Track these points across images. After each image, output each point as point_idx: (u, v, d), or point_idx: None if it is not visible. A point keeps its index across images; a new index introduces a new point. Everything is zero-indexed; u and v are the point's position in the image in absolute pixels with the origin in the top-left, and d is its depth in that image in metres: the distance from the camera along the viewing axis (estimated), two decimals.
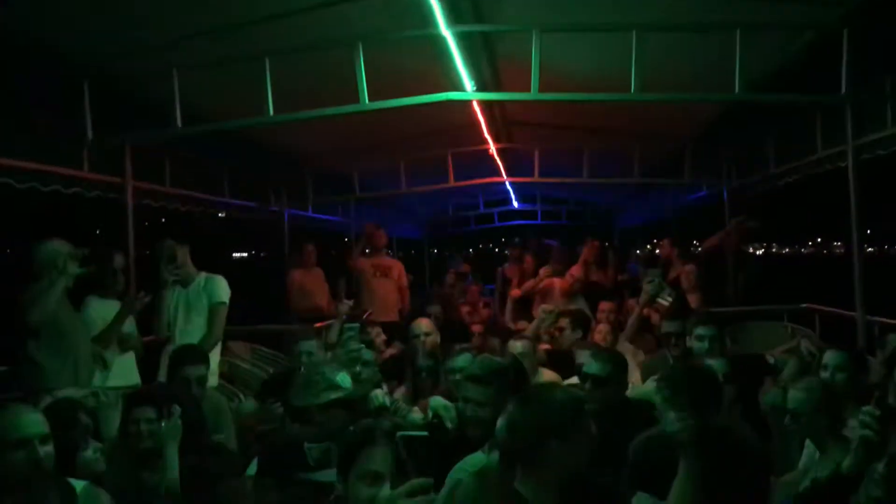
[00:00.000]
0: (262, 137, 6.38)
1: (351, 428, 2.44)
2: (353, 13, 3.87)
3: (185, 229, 5.47)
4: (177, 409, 2.88)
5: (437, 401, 3.52)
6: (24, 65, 3.90)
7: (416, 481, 1.76)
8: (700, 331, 4.19)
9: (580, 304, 6.65)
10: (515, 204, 12.28)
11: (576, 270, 7.16)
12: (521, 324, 6.65)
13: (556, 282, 7.11)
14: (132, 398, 3.09)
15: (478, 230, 13.63)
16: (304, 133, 6.24)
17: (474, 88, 4.92)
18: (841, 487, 2.30)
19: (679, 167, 7.55)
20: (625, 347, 5.13)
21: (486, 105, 6.05)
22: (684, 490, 2.48)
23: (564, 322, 5.46)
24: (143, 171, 5.37)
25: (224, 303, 4.54)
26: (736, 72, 4.05)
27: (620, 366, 3.44)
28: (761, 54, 4.32)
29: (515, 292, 7.35)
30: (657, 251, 8.75)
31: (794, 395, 2.95)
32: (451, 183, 7.48)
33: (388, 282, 7.38)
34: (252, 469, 2.65)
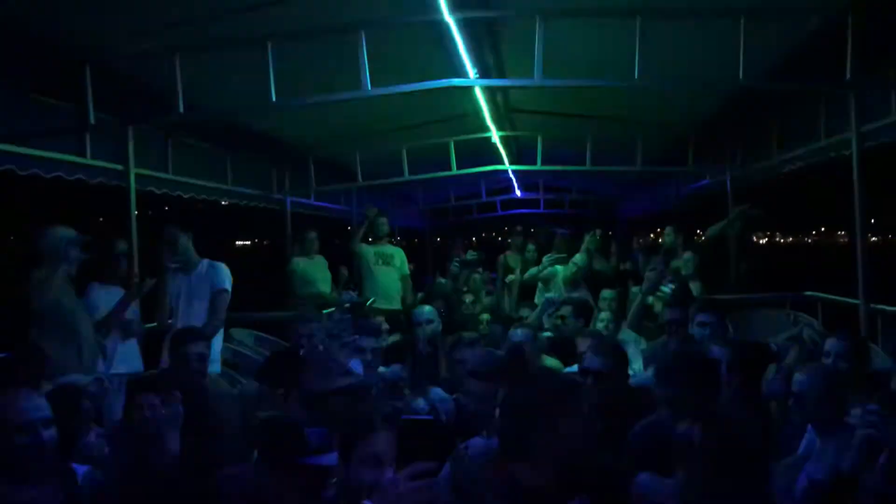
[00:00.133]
0: (264, 125, 6.38)
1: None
2: None
3: (188, 217, 5.48)
4: (177, 395, 2.88)
5: (437, 392, 3.56)
6: (26, 50, 3.89)
7: (418, 465, 1.77)
8: (702, 318, 4.20)
9: (582, 293, 6.66)
10: (518, 192, 12.26)
11: (578, 258, 7.16)
12: (524, 311, 6.67)
13: (559, 270, 7.12)
14: (135, 384, 3.10)
15: (480, 219, 13.60)
16: (307, 121, 6.24)
17: (477, 75, 4.90)
18: (842, 489, 2.28)
19: (682, 155, 7.53)
20: (627, 335, 5.14)
21: (488, 92, 6.03)
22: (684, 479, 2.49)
23: (567, 310, 5.47)
24: (146, 158, 5.37)
25: (226, 289, 4.55)
26: (740, 59, 4.03)
27: (621, 359, 3.44)
28: (766, 42, 4.30)
29: None
30: (659, 240, 8.75)
31: (800, 378, 2.95)
32: (454, 171, 7.46)
33: (390, 270, 7.39)
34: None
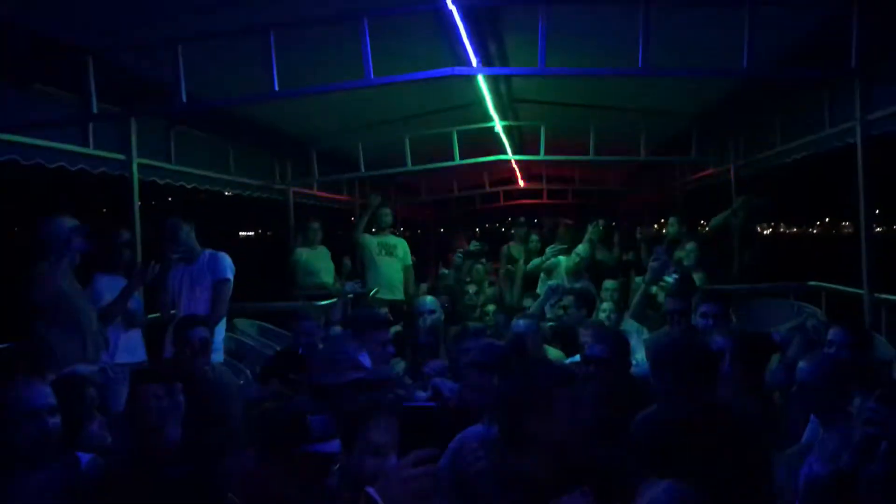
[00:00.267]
0: (267, 115, 6.36)
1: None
2: None
3: (192, 208, 5.49)
4: (178, 385, 2.89)
5: (440, 381, 3.57)
6: (28, 40, 3.88)
7: (421, 451, 1.77)
8: (704, 308, 4.19)
9: (585, 283, 6.66)
10: (521, 183, 12.23)
11: (581, 249, 7.16)
12: (528, 301, 6.69)
13: (562, 260, 7.12)
14: (138, 374, 3.11)
15: (483, 209, 13.58)
16: (310, 110, 6.22)
17: (480, 64, 4.88)
18: (842, 484, 2.27)
19: (686, 145, 7.50)
20: (630, 325, 5.14)
21: (491, 82, 6.01)
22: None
23: (569, 300, 5.47)
24: (149, 149, 5.37)
25: (228, 279, 4.56)
26: (744, 47, 4.00)
27: (622, 346, 3.45)
28: (771, 30, 4.27)
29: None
30: (663, 230, 8.73)
31: (803, 368, 2.95)
32: (457, 161, 7.45)
33: (393, 260, 7.39)
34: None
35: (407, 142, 7.22)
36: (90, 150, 4.75)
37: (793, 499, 2.78)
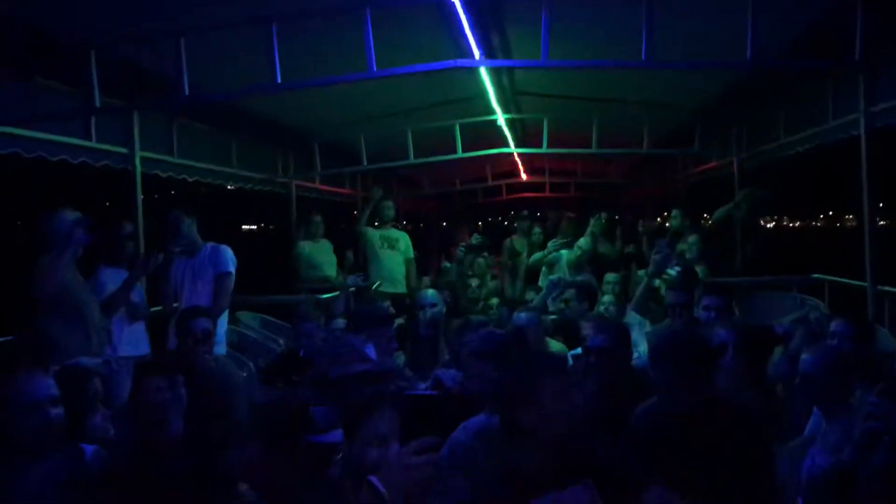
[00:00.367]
0: (269, 108, 6.36)
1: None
2: None
3: (194, 202, 5.49)
4: (180, 378, 2.89)
5: (444, 371, 3.57)
6: (31, 34, 3.88)
7: (423, 440, 1.78)
8: (706, 301, 4.18)
9: (587, 276, 6.65)
10: (524, 176, 12.21)
11: (583, 242, 7.15)
12: (530, 295, 6.69)
13: (564, 254, 7.11)
14: (142, 368, 3.12)
15: (486, 203, 13.56)
16: (312, 103, 6.21)
17: (483, 56, 4.87)
18: (844, 478, 2.26)
19: (689, 138, 7.48)
20: (632, 317, 5.14)
21: (494, 74, 5.99)
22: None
23: (571, 293, 5.47)
24: (151, 142, 5.36)
25: (230, 272, 4.57)
26: (748, 39, 3.99)
27: (623, 337, 3.45)
28: (774, 22, 4.25)
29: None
30: (666, 223, 8.72)
31: (806, 359, 2.95)
32: (459, 154, 7.43)
33: (395, 253, 7.40)
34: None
35: (409, 135, 7.21)
36: (92, 144, 4.75)
37: (795, 491, 2.79)
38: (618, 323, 3.77)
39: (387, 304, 5.86)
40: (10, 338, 3.99)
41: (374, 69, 4.15)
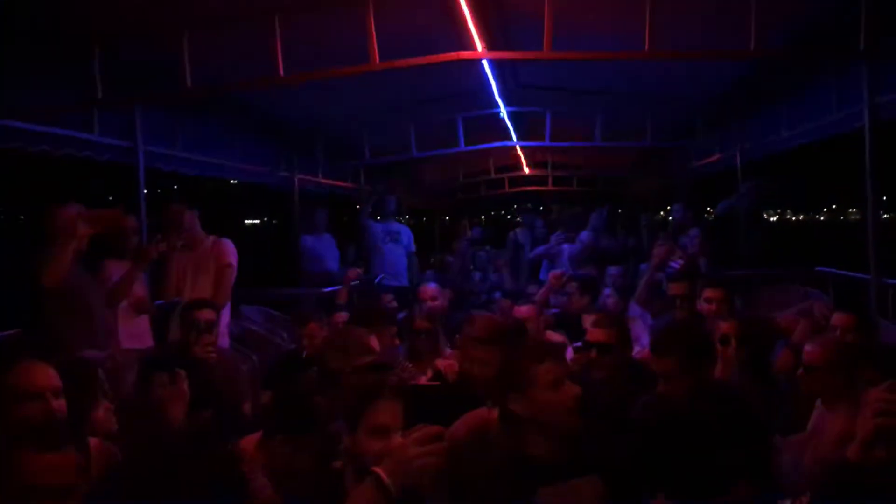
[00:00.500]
0: (272, 102, 6.35)
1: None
2: None
3: (198, 197, 5.49)
4: (182, 373, 2.90)
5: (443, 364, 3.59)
6: (34, 27, 3.88)
7: (426, 428, 1.78)
8: (708, 293, 4.18)
9: (589, 270, 6.66)
10: (526, 170, 12.19)
11: (585, 236, 7.16)
12: (532, 288, 6.71)
13: (566, 248, 7.12)
14: (146, 362, 3.13)
15: (488, 196, 13.53)
16: (315, 97, 6.21)
17: (485, 48, 4.86)
18: (850, 475, 2.24)
19: (692, 131, 7.46)
20: (634, 311, 5.15)
21: (497, 67, 5.98)
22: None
23: (573, 287, 5.48)
24: (154, 136, 5.36)
25: (231, 265, 4.58)
26: (751, 29, 3.98)
27: (622, 330, 3.45)
28: (778, 12, 4.23)
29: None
30: (669, 217, 8.71)
31: (809, 350, 2.95)
32: (462, 147, 7.43)
33: (398, 247, 7.42)
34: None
35: (412, 128, 7.20)
36: (96, 138, 4.76)
37: (797, 484, 2.79)
38: (618, 317, 3.77)
39: (389, 297, 5.88)
40: (15, 331, 4.01)
41: (377, 61, 4.15)
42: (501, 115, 7.52)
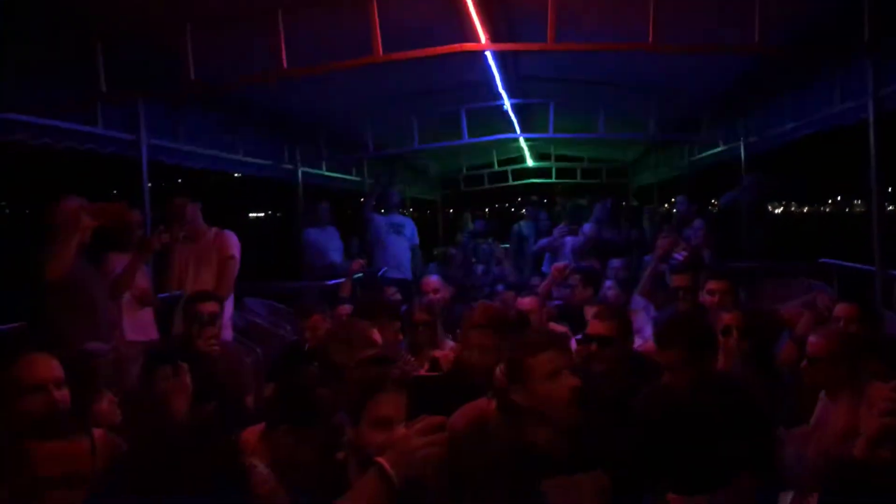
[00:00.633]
0: (275, 95, 6.34)
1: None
2: None
3: (201, 190, 5.50)
4: (185, 366, 2.91)
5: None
6: (37, 20, 3.88)
7: (429, 419, 1.78)
8: (711, 285, 4.18)
9: (591, 262, 6.66)
10: (530, 162, 12.18)
11: (588, 228, 7.15)
12: (534, 280, 6.71)
13: (568, 240, 7.12)
14: (150, 355, 3.14)
15: (491, 189, 13.53)
16: (318, 90, 6.20)
17: (489, 40, 4.84)
18: (855, 475, 2.23)
19: (695, 123, 7.43)
20: (638, 302, 5.14)
21: (500, 59, 5.96)
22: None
23: (575, 279, 5.48)
24: (157, 129, 5.36)
25: (234, 256, 4.59)
26: (756, 22, 3.96)
27: (623, 323, 3.44)
28: (783, 5, 4.21)
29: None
30: (673, 209, 8.70)
31: (813, 341, 2.95)
32: (465, 139, 7.41)
33: (401, 239, 7.42)
34: None
35: (415, 121, 7.19)
36: (99, 131, 4.76)
37: (801, 477, 2.79)
38: (619, 310, 3.76)
39: (393, 289, 5.89)
40: (19, 324, 4.02)
41: (380, 53, 4.14)
42: (505, 107, 7.50)
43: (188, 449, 2.49)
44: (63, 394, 2.34)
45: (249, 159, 6.99)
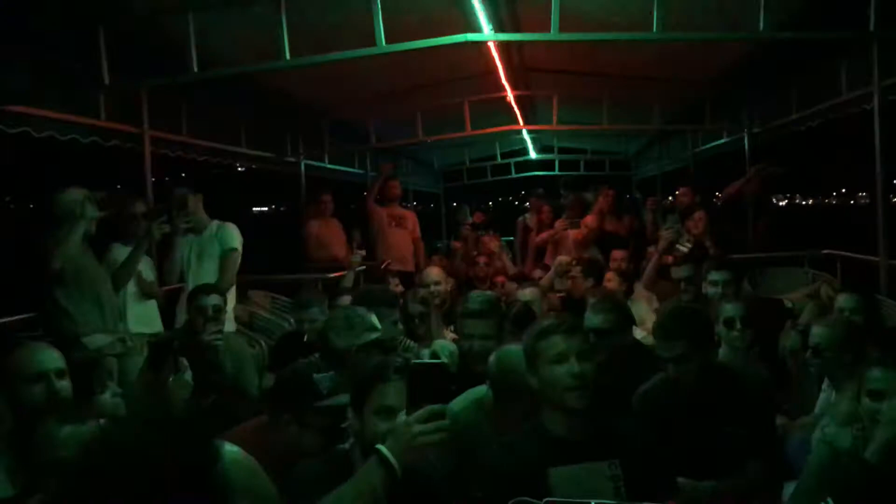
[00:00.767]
0: (278, 86, 6.33)
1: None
2: None
3: (205, 183, 5.49)
4: (184, 363, 2.90)
5: (441, 343, 3.60)
6: (39, 11, 3.87)
7: (430, 407, 1.79)
8: (714, 276, 4.17)
9: (593, 253, 6.65)
10: (533, 154, 12.16)
11: (590, 220, 7.13)
12: (538, 272, 6.70)
13: (570, 232, 7.11)
14: (154, 346, 3.14)
15: (495, 182, 13.52)
16: (321, 82, 6.18)
17: (492, 31, 4.83)
18: (867, 475, 2.22)
19: (699, 114, 7.41)
20: (641, 294, 5.14)
21: (503, 50, 5.94)
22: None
23: (577, 270, 5.48)
24: (161, 122, 5.36)
25: (236, 249, 4.59)
26: (761, 10, 3.94)
27: (621, 314, 3.45)
28: None
29: (543, 236, 7.45)
30: (676, 200, 8.66)
31: (818, 331, 2.95)
32: (468, 132, 7.40)
33: (403, 231, 7.41)
34: None
35: (418, 113, 7.17)
36: (102, 122, 4.76)
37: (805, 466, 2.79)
38: (617, 302, 3.76)
39: (395, 281, 5.89)
40: (24, 315, 4.04)
41: (383, 44, 4.13)
42: (508, 98, 7.48)
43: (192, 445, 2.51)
44: (64, 384, 2.35)
45: (252, 151, 6.98)
